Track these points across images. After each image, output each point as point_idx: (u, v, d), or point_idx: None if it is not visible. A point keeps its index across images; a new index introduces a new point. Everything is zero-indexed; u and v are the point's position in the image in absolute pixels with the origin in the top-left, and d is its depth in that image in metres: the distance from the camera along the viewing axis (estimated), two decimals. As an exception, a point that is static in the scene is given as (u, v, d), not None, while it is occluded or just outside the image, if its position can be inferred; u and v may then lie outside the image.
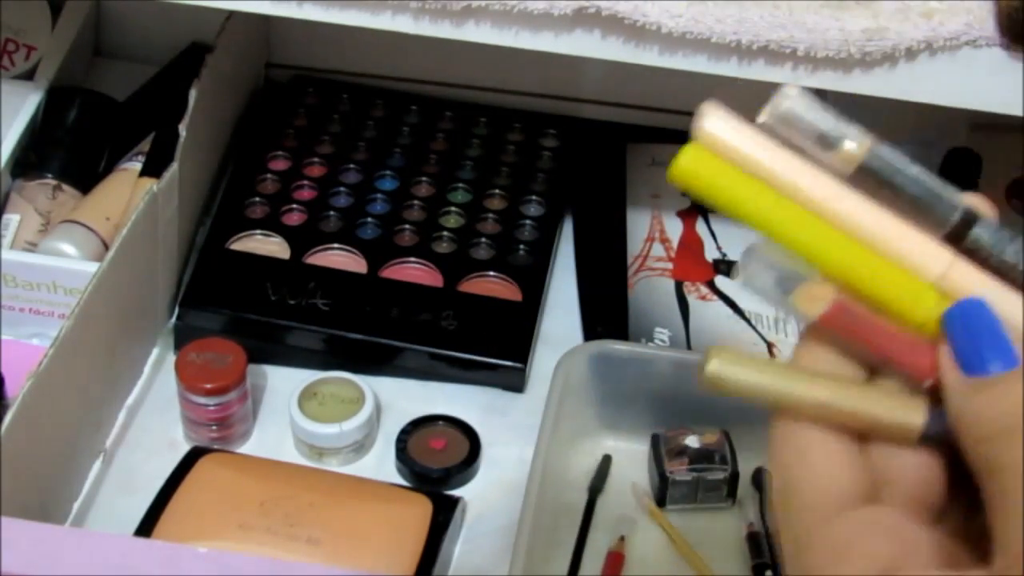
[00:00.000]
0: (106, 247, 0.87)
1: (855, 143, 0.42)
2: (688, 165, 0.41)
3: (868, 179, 0.42)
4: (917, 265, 0.42)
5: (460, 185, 0.96)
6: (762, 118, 0.42)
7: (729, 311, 0.90)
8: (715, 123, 0.42)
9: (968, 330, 0.41)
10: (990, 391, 0.40)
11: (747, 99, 1.05)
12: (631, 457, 0.82)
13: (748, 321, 0.89)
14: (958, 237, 0.42)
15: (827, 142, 0.42)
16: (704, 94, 1.10)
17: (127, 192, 0.91)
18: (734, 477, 0.80)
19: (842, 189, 0.42)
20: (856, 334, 0.41)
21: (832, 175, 0.42)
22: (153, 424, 0.85)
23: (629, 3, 0.68)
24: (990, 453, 0.39)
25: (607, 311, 0.90)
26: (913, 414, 0.41)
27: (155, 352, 0.88)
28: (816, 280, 0.41)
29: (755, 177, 0.41)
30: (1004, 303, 0.41)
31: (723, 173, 0.41)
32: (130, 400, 0.85)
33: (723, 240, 0.94)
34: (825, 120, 0.42)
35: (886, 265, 0.42)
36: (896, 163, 0.42)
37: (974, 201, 0.43)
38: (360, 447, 0.83)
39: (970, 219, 0.42)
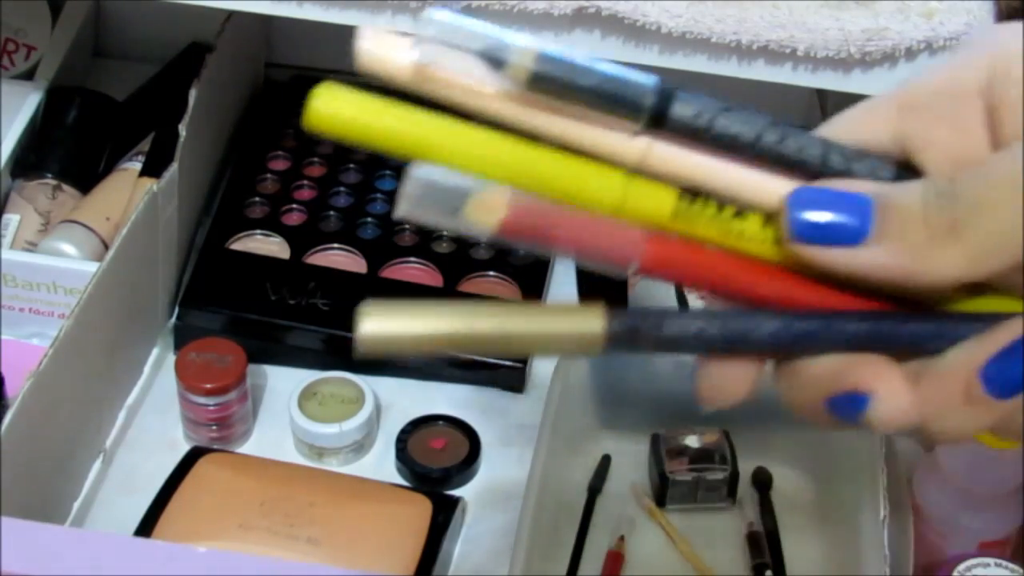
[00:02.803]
0: (106, 247, 0.87)
1: (519, 53, 0.37)
2: (326, 108, 0.37)
3: (548, 89, 0.38)
4: (609, 158, 0.39)
5: (460, 185, 0.96)
6: (415, 55, 0.38)
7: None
8: (367, 40, 0.38)
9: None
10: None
11: (747, 99, 1.04)
12: (631, 457, 0.82)
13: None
14: (660, 121, 0.38)
15: (493, 60, 0.37)
16: (704, 94, 1.09)
17: (127, 192, 0.91)
18: (734, 477, 0.80)
19: (510, 98, 0.38)
20: (546, 234, 0.38)
21: (508, 98, 0.38)
22: (153, 424, 0.85)
23: (629, 3, 0.68)
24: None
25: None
26: (593, 321, 0.38)
27: (155, 352, 0.88)
28: (488, 188, 0.37)
29: (406, 104, 0.38)
30: (717, 175, 0.39)
31: (366, 107, 0.37)
32: (130, 400, 0.85)
33: (723, 240, 0.94)
34: (481, 38, 0.37)
35: (568, 163, 0.38)
36: (571, 61, 0.37)
37: None
38: (360, 447, 0.83)
39: (666, 97, 0.38)
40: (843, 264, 0.37)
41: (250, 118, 1.01)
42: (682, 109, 0.38)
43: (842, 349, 0.38)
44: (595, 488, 0.81)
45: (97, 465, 0.81)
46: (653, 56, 0.70)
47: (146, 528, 0.75)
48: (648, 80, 0.38)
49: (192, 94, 0.85)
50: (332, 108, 0.37)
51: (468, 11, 0.69)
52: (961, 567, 0.71)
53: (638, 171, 0.39)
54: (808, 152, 0.39)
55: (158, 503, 0.77)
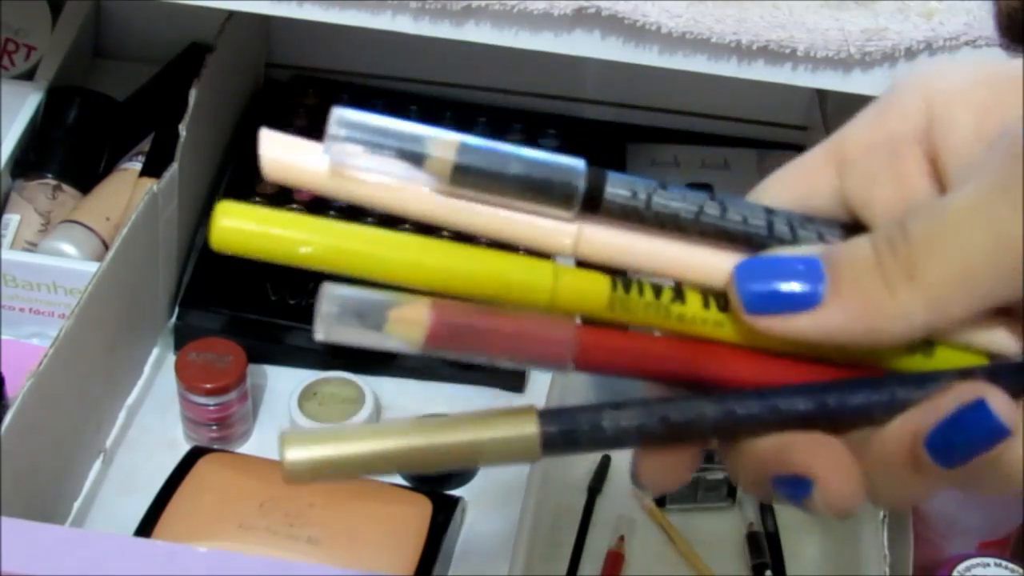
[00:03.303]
0: (106, 247, 0.87)
1: (439, 146, 0.35)
2: (231, 225, 0.35)
3: (472, 181, 0.36)
4: (540, 248, 0.37)
5: (460, 185, 0.96)
6: (326, 159, 0.36)
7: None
8: (272, 147, 0.37)
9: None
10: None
11: (747, 99, 1.04)
12: (631, 457, 0.82)
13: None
14: (594, 204, 0.36)
15: (412, 156, 0.35)
16: (704, 94, 1.10)
17: (127, 192, 0.91)
18: (734, 477, 0.80)
19: (431, 195, 0.37)
20: (474, 342, 0.36)
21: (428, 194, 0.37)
22: (153, 424, 0.85)
23: (629, 3, 0.68)
24: None
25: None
26: (527, 426, 0.36)
27: (155, 352, 0.88)
28: (404, 300, 0.35)
29: (309, 215, 0.36)
30: (654, 256, 0.38)
31: (273, 219, 0.36)
32: (130, 400, 0.85)
33: (723, 240, 0.94)
34: (396, 134, 0.36)
35: (494, 261, 0.36)
36: (494, 149, 0.36)
37: None
38: (360, 447, 0.83)
39: (598, 179, 0.36)
40: (801, 330, 0.36)
41: (250, 118, 1.01)
42: (615, 190, 0.36)
43: (787, 428, 0.37)
44: (595, 488, 0.81)
45: (97, 465, 0.81)
46: (653, 56, 0.70)
47: (146, 528, 0.75)
48: (577, 164, 0.36)
49: (192, 94, 0.85)
50: (238, 223, 0.35)
51: (468, 12, 0.69)
52: (961, 567, 0.71)
53: (574, 258, 0.37)
54: (752, 223, 0.37)
55: (158, 503, 0.77)
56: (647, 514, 0.81)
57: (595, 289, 0.37)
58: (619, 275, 0.37)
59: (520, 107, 1.02)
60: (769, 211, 0.38)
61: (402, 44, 0.78)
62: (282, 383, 0.86)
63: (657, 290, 0.37)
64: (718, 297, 0.38)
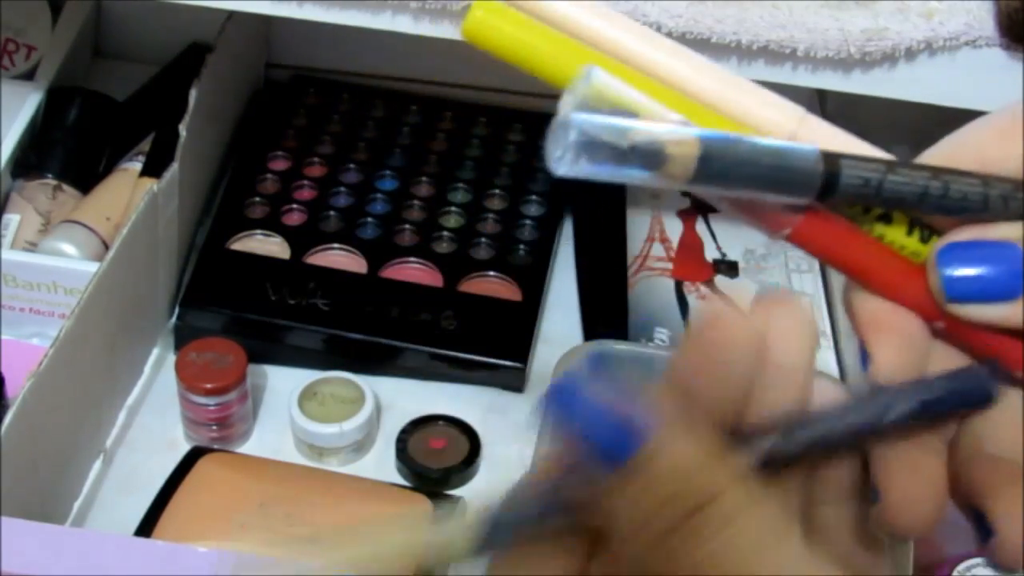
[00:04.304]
0: (106, 247, 0.87)
1: (680, 145, 0.35)
2: (484, 18, 0.36)
3: (711, 180, 0.35)
4: (763, 122, 0.38)
5: (460, 185, 0.96)
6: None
7: (729, 311, 0.90)
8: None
9: (570, 422, 0.34)
10: (636, 482, 0.33)
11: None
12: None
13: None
14: (831, 189, 0.37)
15: (647, 157, 0.35)
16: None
17: (127, 192, 0.91)
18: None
19: (670, 44, 0.36)
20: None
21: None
22: (153, 424, 0.85)
23: (629, 3, 0.68)
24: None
25: (607, 311, 0.90)
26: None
27: (155, 352, 0.88)
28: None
29: (566, 32, 0.36)
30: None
31: (527, 26, 0.36)
32: (130, 400, 0.85)
33: (723, 240, 0.94)
34: (630, 131, 0.34)
35: (725, 121, 0.37)
36: (732, 145, 0.35)
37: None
38: (360, 447, 0.83)
39: (833, 174, 0.36)
40: (1002, 318, 0.36)
41: (250, 118, 1.01)
42: (849, 182, 0.37)
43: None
44: (595, 488, 0.81)
45: (97, 465, 0.81)
46: (653, 56, 0.69)
47: (146, 528, 0.75)
48: (811, 156, 0.36)
49: (192, 94, 0.85)
50: (492, 20, 0.36)
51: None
52: (961, 567, 0.71)
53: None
54: (970, 200, 0.37)
55: (158, 503, 0.77)
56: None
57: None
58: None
59: (520, 107, 1.02)
60: (986, 184, 0.37)
61: (402, 44, 0.78)
62: (282, 383, 0.86)
63: (866, 207, 0.38)
64: (923, 228, 0.38)
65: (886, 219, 0.38)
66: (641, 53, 0.37)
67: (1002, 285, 0.35)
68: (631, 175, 0.35)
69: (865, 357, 0.37)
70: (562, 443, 0.34)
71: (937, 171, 0.37)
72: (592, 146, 0.34)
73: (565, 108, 0.35)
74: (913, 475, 0.36)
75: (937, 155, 0.38)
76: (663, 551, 0.33)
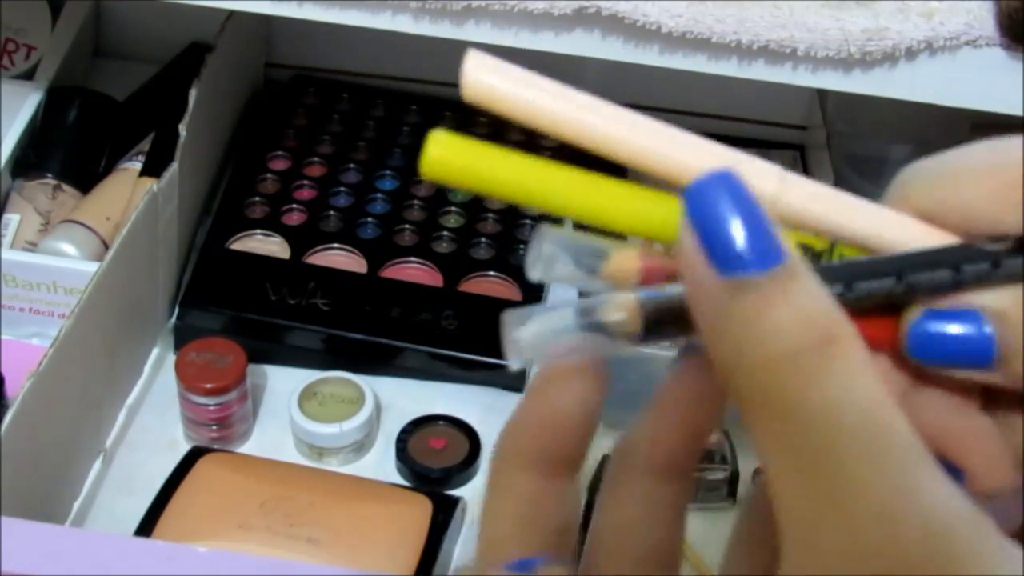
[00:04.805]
0: (106, 247, 0.87)
1: (619, 308, 0.35)
2: (440, 154, 0.35)
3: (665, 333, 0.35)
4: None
5: (460, 185, 0.96)
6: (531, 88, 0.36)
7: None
8: (481, 71, 0.36)
9: (717, 211, 0.30)
10: (759, 295, 0.29)
11: (747, 99, 1.04)
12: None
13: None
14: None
15: (591, 325, 0.35)
16: (704, 94, 1.10)
17: (127, 192, 0.91)
18: (734, 477, 0.80)
19: (635, 118, 0.37)
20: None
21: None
22: (153, 424, 0.85)
23: (629, 3, 0.68)
24: (762, 385, 0.29)
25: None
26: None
27: (155, 352, 0.88)
28: (617, 248, 0.35)
29: (519, 147, 0.36)
30: (848, 225, 0.35)
31: (482, 155, 0.36)
32: (130, 400, 0.85)
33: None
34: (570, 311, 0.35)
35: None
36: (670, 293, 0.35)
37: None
38: (360, 447, 0.83)
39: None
40: (971, 378, 0.34)
41: (250, 118, 1.01)
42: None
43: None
44: (595, 488, 0.81)
45: (97, 465, 0.81)
46: (653, 56, 0.70)
47: (146, 528, 0.75)
48: None
49: (192, 94, 0.85)
50: (447, 155, 0.36)
51: (468, 12, 0.69)
52: (961, 567, 0.71)
53: (772, 206, 0.36)
54: (939, 281, 0.35)
55: (158, 503, 0.77)
56: (647, 514, 0.81)
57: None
58: (807, 248, 0.36)
59: (520, 107, 1.01)
60: (957, 269, 0.35)
61: (402, 44, 0.78)
62: (282, 383, 0.86)
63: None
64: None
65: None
66: (612, 134, 0.37)
67: (973, 360, 0.34)
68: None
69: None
70: (702, 240, 0.31)
71: (902, 268, 0.35)
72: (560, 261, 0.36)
73: (532, 272, 0.36)
74: (987, 442, 0.35)
75: (919, 205, 0.35)
76: (762, 383, 0.29)
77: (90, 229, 0.88)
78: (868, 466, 0.29)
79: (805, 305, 0.29)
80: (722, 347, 0.30)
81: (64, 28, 0.99)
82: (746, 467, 0.80)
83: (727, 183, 0.31)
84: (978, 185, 0.34)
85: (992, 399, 0.35)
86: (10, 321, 0.86)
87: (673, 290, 0.34)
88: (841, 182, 0.91)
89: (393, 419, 0.85)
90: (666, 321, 0.34)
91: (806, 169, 0.98)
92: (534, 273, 0.35)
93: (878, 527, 0.28)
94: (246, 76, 1.02)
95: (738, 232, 0.30)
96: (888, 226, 0.36)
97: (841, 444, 0.29)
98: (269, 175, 0.96)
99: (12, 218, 0.90)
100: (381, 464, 0.83)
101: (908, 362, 0.35)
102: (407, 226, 0.93)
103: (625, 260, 0.35)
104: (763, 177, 0.35)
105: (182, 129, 0.85)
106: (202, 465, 0.79)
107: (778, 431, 0.30)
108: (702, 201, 0.31)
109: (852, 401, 0.29)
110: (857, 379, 0.29)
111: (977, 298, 0.34)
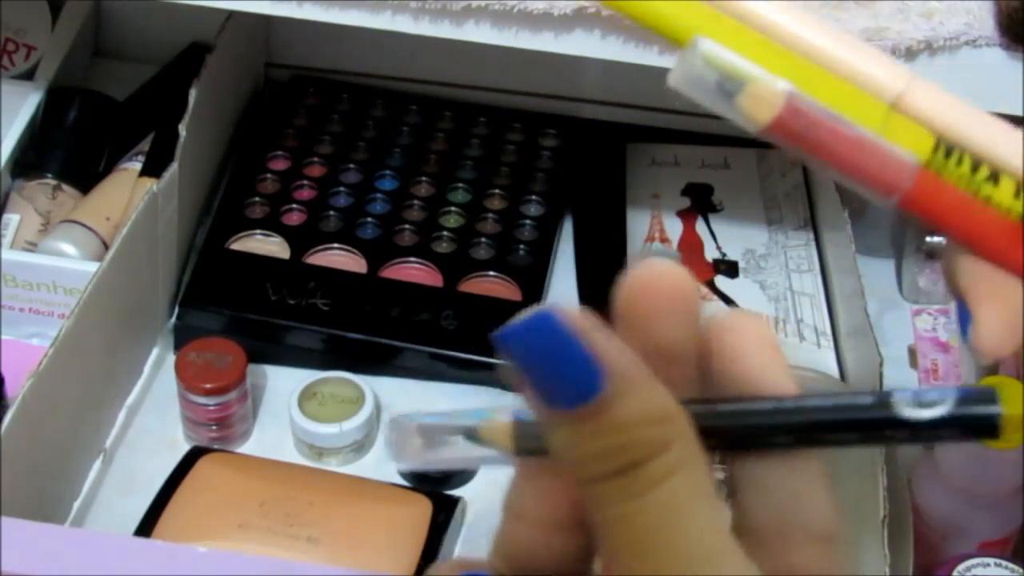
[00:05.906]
0: (106, 247, 0.87)
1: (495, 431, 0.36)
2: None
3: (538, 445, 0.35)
4: (870, 81, 0.36)
5: (460, 185, 0.96)
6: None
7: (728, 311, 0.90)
8: None
9: (530, 356, 0.33)
10: (584, 426, 0.31)
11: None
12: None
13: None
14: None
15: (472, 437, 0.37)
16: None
17: (127, 192, 0.91)
18: (734, 477, 0.80)
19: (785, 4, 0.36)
20: (816, 141, 0.35)
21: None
22: (153, 424, 0.85)
23: (629, 3, 0.68)
24: (587, 498, 0.32)
25: (607, 311, 0.90)
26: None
27: (155, 352, 0.88)
28: (769, 79, 0.35)
29: None
30: (974, 131, 0.36)
31: None
32: (130, 400, 0.85)
33: (723, 240, 0.94)
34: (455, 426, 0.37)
35: (832, 78, 0.36)
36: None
37: None
38: (360, 447, 0.83)
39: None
40: None
41: (250, 118, 1.01)
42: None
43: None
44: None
45: (97, 465, 0.81)
46: (653, 56, 0.70)
47: (146, 528, 0.75)
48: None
49: (192, 94, 0.85)
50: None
51: (468, 12, 0.69)
52: (961, 567, 0.71)
53: (895, 105, 0.36)
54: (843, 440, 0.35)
55: (158, 503, 0.77)
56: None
57: (920, 141, 0.36)
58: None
59: (520, 107, 1.02)
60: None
61: (402, 44, 0.78)
62: (282, 383, 0.86)
63: (975, 165, 0.37)
64: None
65: (994, 179, 0.37)
66: (748, 8, 0.36)
67: None
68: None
69: (965, 322, 0.37)
70: (525, 378, 0.33)
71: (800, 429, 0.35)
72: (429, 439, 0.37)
73: (674, 75, 0.35)
74: (1005, 304, 0.37)
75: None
76: (588, 496, 0.32)
77: (90, 229, 0.88)
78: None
79: (610, 438, 0.31)
80: (561, 464, 0.32)
81: (64, 28, 0.99)
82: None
83: (541, 326, 0.33)
84: None
85: None
86: (10, 321, 0.86)
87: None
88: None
89: (393, 419, 0.85)
90: (536, 441, 0.35)
91: (807, 169, 0.98)
92: (671, 78, 0.35)
93: None
94: (246, 76, 1.02)
95: (551, 373, 0.32)
96: (1004, 141, 0.36)
97: (643, 559, 0.31)
98: (269, 175, 0.96)
99: (12, 218, 0.90)
100: (381, 464, 0.83)
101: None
102: (407, 226, 0.93)
103: (768, 92, 0.35)
104: (893, 76, 0.36)
105: (182, 129, 0.85)
106: (202, 465, 0.79)
107: (602, 537, 0.32)
108: (516, 344, 0.33)
109: (649, 525, 0.31)
110: (656, 502, 0.31)
111: None
